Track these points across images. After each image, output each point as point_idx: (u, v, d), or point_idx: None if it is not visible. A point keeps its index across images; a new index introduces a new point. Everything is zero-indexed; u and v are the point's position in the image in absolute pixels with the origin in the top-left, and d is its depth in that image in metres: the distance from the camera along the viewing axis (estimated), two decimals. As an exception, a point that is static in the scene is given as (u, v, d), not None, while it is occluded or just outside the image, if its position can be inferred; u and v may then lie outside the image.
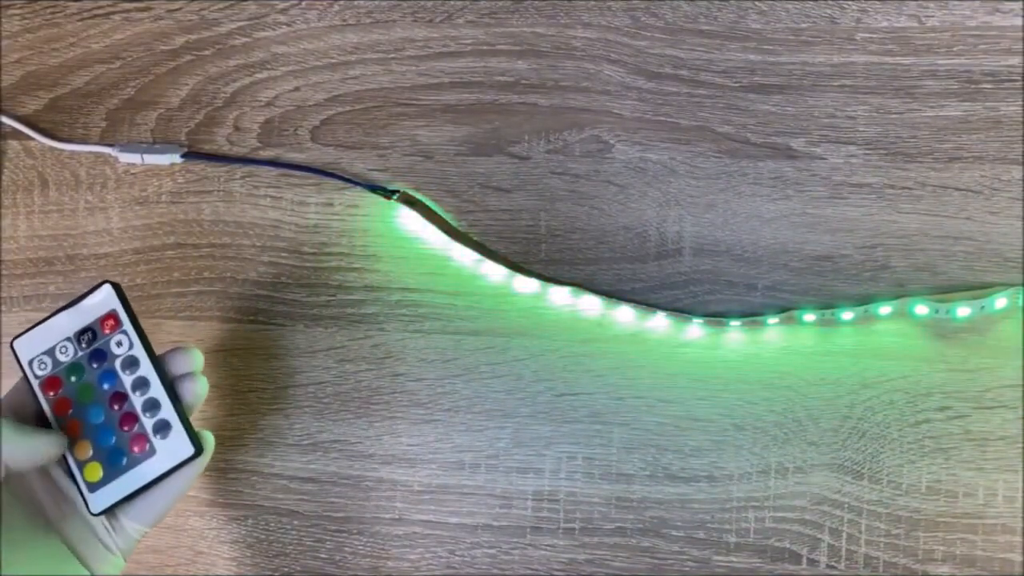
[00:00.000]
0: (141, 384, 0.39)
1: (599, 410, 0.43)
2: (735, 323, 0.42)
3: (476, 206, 0.44)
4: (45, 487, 0.39)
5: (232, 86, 0.46)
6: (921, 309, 0.41)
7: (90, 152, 0.47)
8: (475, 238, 0.44)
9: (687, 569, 0.43)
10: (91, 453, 0.39)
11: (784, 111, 0.43)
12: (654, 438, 0.43)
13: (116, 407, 0.39)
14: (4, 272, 0.48)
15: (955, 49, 0.42)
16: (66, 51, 0.48)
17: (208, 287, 0.46)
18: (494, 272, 0.44)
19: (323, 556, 0.46)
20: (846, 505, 0.42)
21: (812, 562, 0.42)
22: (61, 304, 0.40)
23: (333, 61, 0.46)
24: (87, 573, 0.38)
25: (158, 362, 0.40)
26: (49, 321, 0.40)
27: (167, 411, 0.39)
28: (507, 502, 0.44)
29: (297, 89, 0.46)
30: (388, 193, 0.44)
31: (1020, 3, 0.41)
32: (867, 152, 0.42)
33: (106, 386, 0.39)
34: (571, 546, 0.44)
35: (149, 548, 0.46)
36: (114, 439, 0.39)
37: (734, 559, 0.42)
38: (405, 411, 0.45)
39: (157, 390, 0.39)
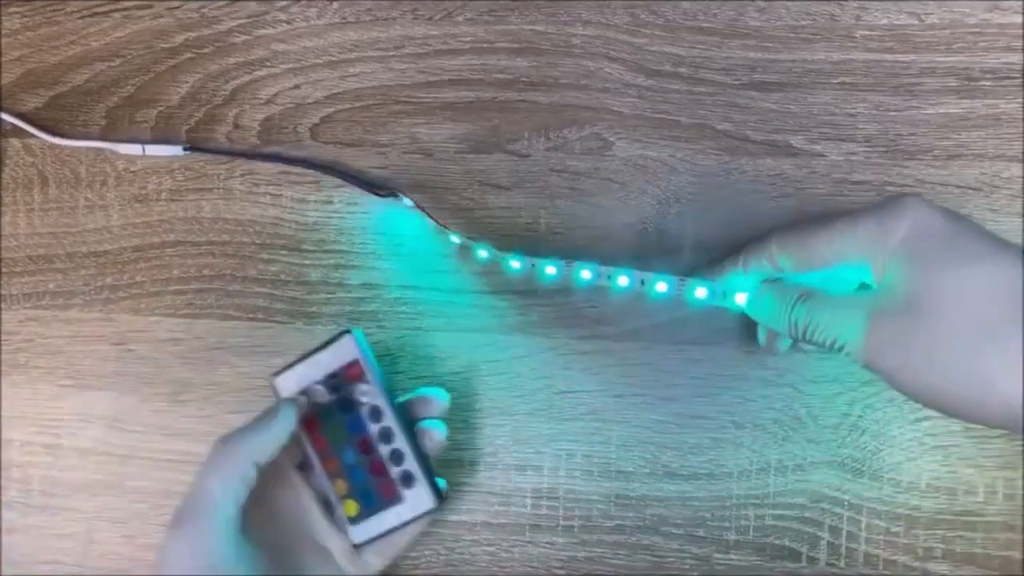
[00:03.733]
0: (385, 435, 0.41)
1: (598, 408, 0.43)
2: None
3: (476, 204, 0.44)
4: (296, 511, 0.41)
5: (232, 84, 0.46)
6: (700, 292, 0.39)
7: (91, 147, 0.47)
8: (463, 234, 0.44)
9: (687, 567, 0.43)
10: (347, 490, 0.41)
11: (784, 108, 0.43)
12: (653, 436, 0.43)
13: (366, 453, 0.41)
14: (4, 269, 0.48)
15: (955, 46, 0.42)
16: (66, 49, 0.48)
17: (208, 284, 0.46)
18: (493, 272, 0.44)
19: (322, 554, 0.45)
20: (846, 502, 0.42)
21: (812, 560, 0.42)
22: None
23: (333, 59, 0.46)
24: None
25: (401, 409, 0.41)
26: (304, 362, 0.42)
27: (410, 463, 0.41)
28: (506, 500, 0.44)
29: (297, 87, 0.46)
30: (381, 192, 0.44)
31: (1020, 1, 0.41)
32: (867, 149, 0.42)
33: (355, 432, 0.41)
34: (570, 544, 0.43)
35: (147, 546, 0.46)
36: (366, 480, 0.41)
37: (734, 557, 0.42)
38: (404, 409, 0.45)
39: (400, 441, 0.41)
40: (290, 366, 0.42)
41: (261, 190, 0.46)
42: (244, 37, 0.46)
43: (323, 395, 0.41)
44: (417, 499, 0.41)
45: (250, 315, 0.46)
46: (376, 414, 0.41)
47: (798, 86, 0.42)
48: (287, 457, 0.41)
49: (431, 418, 0.41)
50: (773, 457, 0.42)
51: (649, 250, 0.43)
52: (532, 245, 0.44)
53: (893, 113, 0.42)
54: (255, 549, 0.37)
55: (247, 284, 0.46)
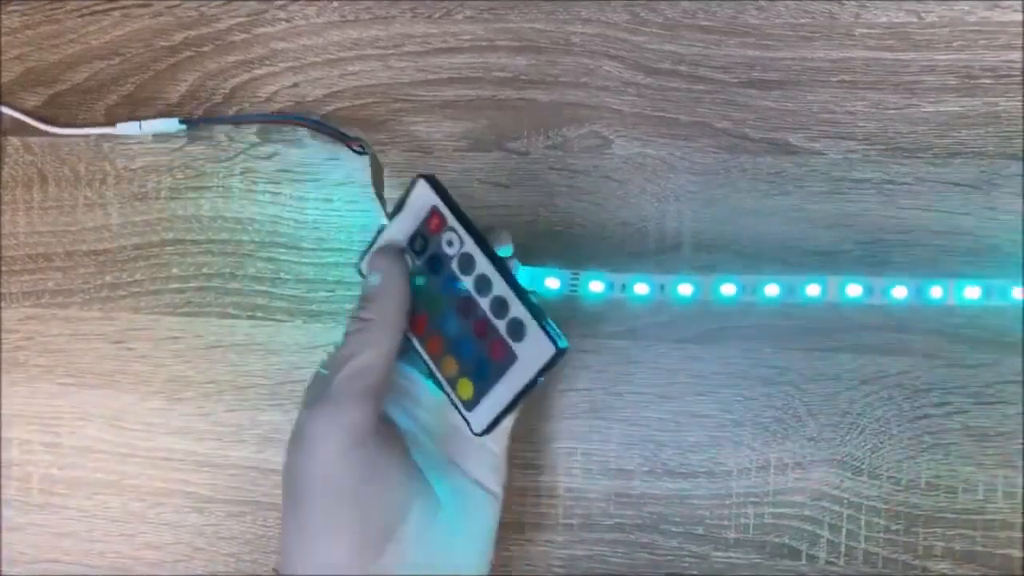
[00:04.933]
0: (483, 284, 0.35)
1: (598, 406, 0.43)
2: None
3: (475, 202, 0.44)
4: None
5: (231, 82, 0.46)
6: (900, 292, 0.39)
7: (90, 137, 0.47)
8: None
9: (686, 565, 0.43)
10: (458, 368, 0.35)
11: (783, 107, 0.43)
12: (653, 434, 0.43)
13: (467, 316, 0.35)
14: (3, 268, 0.48)
15: (954, 44, 0.42)
16: (66, 47, 0.48)
17: (207, 283, 0.46)
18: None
19: (321, 552, 0.45)
20: (845, 501, 0.42)
21: (811, 558, 0.42)
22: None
23: (332, 57, 0.46)
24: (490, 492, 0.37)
25: (492, 252, 0.35)
26: (384, 234, 0.37)
27: (516, 310, 0.34)
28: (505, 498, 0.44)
29: (296, 85, 0.46)
30: (349, 139, 0.43)
31: (1019, -2, 0.41)
32: (866, 147, 0.42)
33: (451, 293, 0.35)
34: (570, 542, 0.43)
35: (146, 544, 0.46)
36: (474, 349, 0.35)
37: (733, 555, 0.42)
38: (404, 407, 0.45)
39: (500, 286, 0.34)
40: (371, 245, 0.38)
41: (260, 188, 0.46)
42: (243, 35, 0.46)
43: (411, 262, 0.36)
44: (534, 350, 0.34)
45: (249, 313, 0.46)
46: (468, 263, 0.35)
47: (797, 84, 0.42)
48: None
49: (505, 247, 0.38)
50: (773, 455, 0.42)
51: (648, 248, 0.43)
52: (532, 244, 0.44)
53: (892, 111, 0.42)
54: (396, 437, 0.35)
55: (246, 282, 0.46)
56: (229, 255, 0.46)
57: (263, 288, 0.46)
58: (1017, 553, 0.41)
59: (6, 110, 0.48)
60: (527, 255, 0.44)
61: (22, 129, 0.48)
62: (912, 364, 0.41)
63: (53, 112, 0.48)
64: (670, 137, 0.43)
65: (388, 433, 0.35)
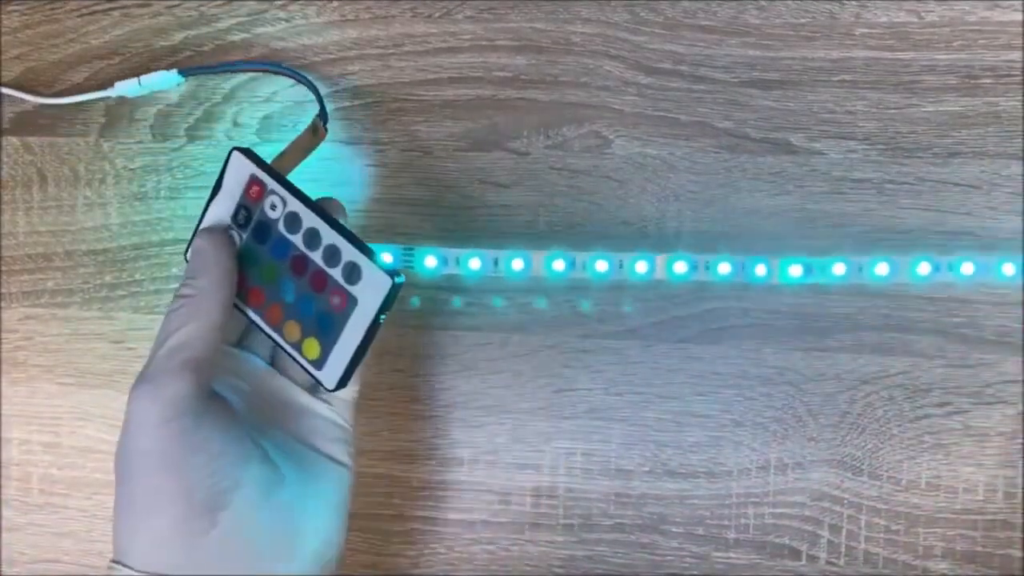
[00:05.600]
0: (312, 237, 0.35)
1: (598, 406, 0.43)
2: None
3: (475, 202, 0.44)
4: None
5: (231, 81, 0.46)
6: (882, 269, 0.40)
7: (84, 101, 0.47)
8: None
9: (686, 565, 0.43)
10: (301, 331, 0.36)
11: (783, 106, 0.42)
12: (653, 434, 0.43)
13: (301, 274, 0.35)
14: (3, 268, 0.48)
15: (954, 44, 0.42)
16: (65, 47, 0.48)
17: (207, 283, 0.46)
18: (491, 270, 0.44)
19: (321, 552, 0.45)
20: (846, 501, 0.42)
21: (812, 558, 0.42)
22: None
23: (332, 56, 0.46)
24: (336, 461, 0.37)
25: (315, 205, 0.36)
26: (206, 216, 0.37)
27: (349, 253, 0.34)
28: (505, 498, 0.44)
29: (296, 84, 0.46)
30: (319, 118, 0.42)
31: (1020, -2, 0.41)
32: (867, 147, 0.42)
33: (282, 255, 0.36)
34: (570, 542, 0.43)
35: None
36: (315, 306, 0.35)
37: (733, 555, 0.42)
38: (403, 407, 0.45)
39: (329, 235, 0.35)
40: (196, 231, 0.37)
41: (260, 188, 0.46)
42: (243, 35, 0.46)
43: (238, 237, 0.36)
44: (372, 288, 0.34)
45: (249, 313, 0.46)
46: (294, 221, 0.35)
47: (798, 84, 0.42)
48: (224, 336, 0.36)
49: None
50: (773, 456, 0.42)
51: (648, 248, 0.43)
52: (531, 243, 0.44)
53: (893, 111, 0.42)
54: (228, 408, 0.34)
55: (246, 282, 0.46)
56: (229, 255, 0.46)
57: (263, 288, 0.46)
58: (1017, 553, 0.41)
59: (7, 91, 0.47)
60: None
61: (22, 128, 0.48)
62: (912, 364, 0.41)
63: (53, 111, 0.48)
64: (670, 137, 0.43)
65: (216, 407, 0.34)
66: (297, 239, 0.35)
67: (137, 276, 0.47)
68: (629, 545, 0.43)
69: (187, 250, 0.37)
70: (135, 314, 0.47)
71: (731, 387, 0.43)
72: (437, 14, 0.45)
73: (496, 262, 0.42)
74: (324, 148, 0.46)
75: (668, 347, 0.43)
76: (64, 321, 0.47)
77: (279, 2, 0.46)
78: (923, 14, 0.42)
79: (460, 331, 0.44)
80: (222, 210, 0.36)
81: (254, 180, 0.36)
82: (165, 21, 0.47)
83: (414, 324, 0.45)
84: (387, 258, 0.39)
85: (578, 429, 0.44)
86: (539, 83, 0.44)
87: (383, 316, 0.34)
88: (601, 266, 0.41)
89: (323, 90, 0.45)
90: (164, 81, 0.46)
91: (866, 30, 0.42)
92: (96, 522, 0.47)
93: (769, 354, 0.42)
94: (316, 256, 0.35)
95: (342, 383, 0.35)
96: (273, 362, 0.38)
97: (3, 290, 0.48)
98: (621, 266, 0.41)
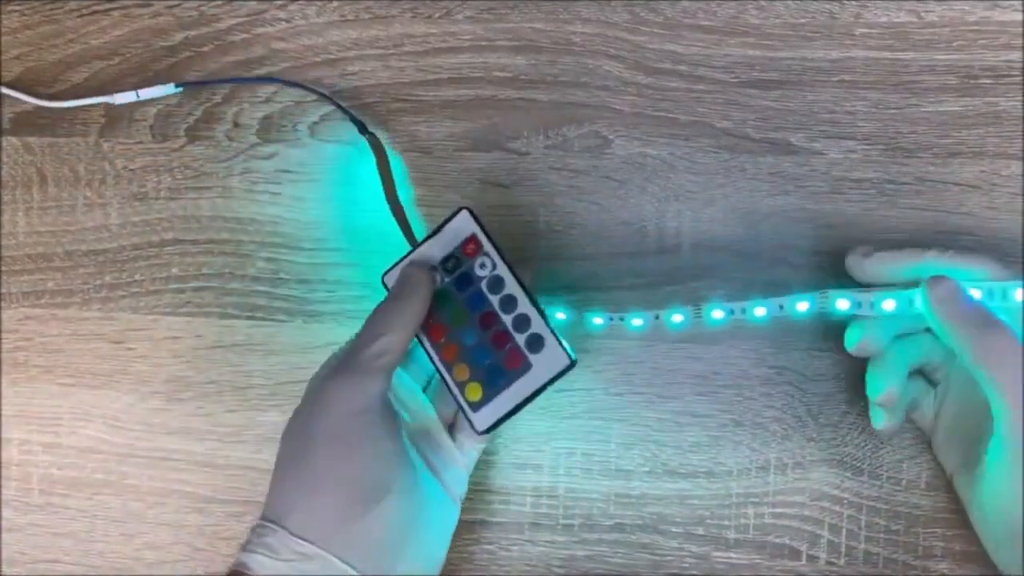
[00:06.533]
0: (509, 303, 0.39)
1: (598, 406, 0.43)
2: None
3: (475, 202, 0.44)
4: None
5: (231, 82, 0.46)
6: (842, 304, 0.39)
7: (85, 105, 0.47)
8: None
9: (686, 565, 0.43)
10: (469, 374, 0.39)
11: (783, 106, 0.43)
12: (653, 434, 0.43)
13: (487, 328, 0.39)
14: (3, 268, 0.48)
15: (954, 44, 0.42)
16: (65, 47, 0.48)
17: (207, 283, 0.46)
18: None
19: (321, 552, 0.45)
20: (846, 501, 0.42)
21: (812, 558, 0.42)
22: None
23: (332, 57, 0.46)
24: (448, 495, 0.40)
25: (519, 278, 0.40)
26: (417, 251, 0.41)
27: (537, 326, 0.39)
28: (506, 498, 0.44)
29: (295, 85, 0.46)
30: (363, 129, 0.44)
31: (1019, -2, 0.41)
32: (866, 147, 0.42)
33: (475, 308, 0.40)
34: (570, 542, 0.43)
35: (146, 545, 0.46)
36: (489, 359, 0.39)
37: (733, 555, 0.42)
38: (404, 407, 0.45)
39: (525, 306, 0.39)
40: (402, 259, 0.41)
41: (260, 188, 0.46)
42: (243, 35, 0.46)
43: (440, 279, 0.40)
44: (548, 362, 0.38)
45: (249, 313, 0.46)
46: (497, 284, 0.39)
47: (798, 84, 0.42)
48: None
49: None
50: (773, 455, 0.42)
51: (648, 249, 0.43)
52: (531, 243, 0.44)
53: (892, 111, 0.42)
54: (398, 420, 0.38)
55: (246, 282, 0.46)
56: (229, 255, 0.46)
57: (263, 288, 0.46)
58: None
59: (7, 91, 0.47)
60: (527, 256, 0.44)
61: (22, 128, 0.48)
62: (912, 364, 0.41)
63: (53, 111, 0.48)
64: (670, 137, 0.43)
65: (391, 412, 0.38)
66: (495, 300, 0.40)
67: (137, 276, 0.47)
68: (629, 545, 0.43)
69: (386, 273, 0.41)
70: (135, 314, 0.47)
71: (731, 387, 0.43)
72: (437, 14, 0.45)
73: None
74: (324, 148, 0.46)
75: (668, 347, 0.43)
76: (64, 321, 0.47)
77: (279, 2, 0.46)
78: (923, 14, 0.42)
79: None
80: (435, 251, 0.41)
81: (473, 238, 0.40)
82: (165, 21, 0.47)
83: (414, 324, 0.45)
84: (560, 316, 0.42)
85: (578, 429, 0.44)
86: (539, 83, 0.44)
87: (549, 387, 0.38)
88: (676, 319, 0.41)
89: (323, 90, 0.45)
90: (161, 91, 0.46)
91: (866, 30, 0.42)
92: (96, 522, 0.47)
93: (769, 354, 0.42)
94: (507, 319, 0.39)
95: (490, 430, 0.39)
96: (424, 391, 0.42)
97: (3, 290, 0.48)
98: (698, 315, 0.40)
